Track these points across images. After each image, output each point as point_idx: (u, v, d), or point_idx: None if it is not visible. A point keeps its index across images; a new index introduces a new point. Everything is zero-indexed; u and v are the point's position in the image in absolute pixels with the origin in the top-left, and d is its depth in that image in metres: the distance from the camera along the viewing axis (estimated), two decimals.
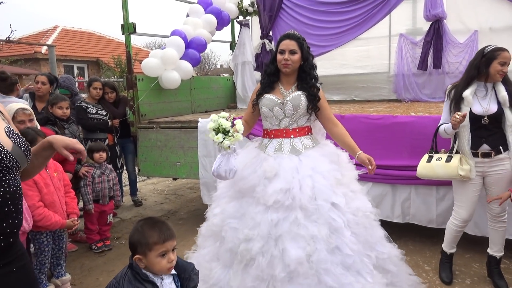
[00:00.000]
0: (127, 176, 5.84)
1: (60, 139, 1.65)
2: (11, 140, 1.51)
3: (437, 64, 5.61)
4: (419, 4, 5.95)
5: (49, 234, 2.97)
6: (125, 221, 5.11)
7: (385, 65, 6.40)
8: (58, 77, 5.11)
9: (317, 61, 6.75)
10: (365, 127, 3.86)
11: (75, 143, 1.65)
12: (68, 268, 3.48)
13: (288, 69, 2.65)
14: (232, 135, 2.36)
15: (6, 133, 1.51)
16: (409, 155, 3.71)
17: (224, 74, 12.57)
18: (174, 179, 6.34)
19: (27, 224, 2.71)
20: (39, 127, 3.43)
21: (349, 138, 2.77)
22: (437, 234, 3.73)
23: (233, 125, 2.40)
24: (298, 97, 2.66)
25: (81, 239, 4.37)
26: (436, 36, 5.57)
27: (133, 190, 5.82)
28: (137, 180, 5.97)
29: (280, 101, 2.66)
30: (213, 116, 2.38)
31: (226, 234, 2.47)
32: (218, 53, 33.06)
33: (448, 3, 5.58)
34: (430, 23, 5.63)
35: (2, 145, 1.46)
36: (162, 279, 1.73)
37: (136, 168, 5.38)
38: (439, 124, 3.15)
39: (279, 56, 2.65)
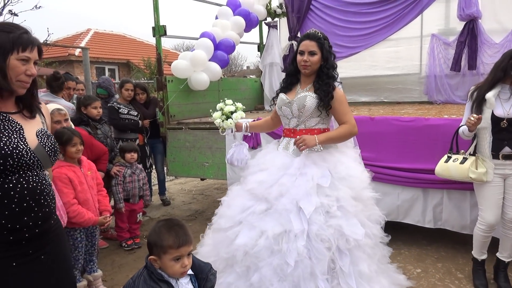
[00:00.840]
0: (156, 176, 5.95)
1: None
2: (38, 139, 1.58)
3: (472, 65, 5.44)
4: (452, 3, 5.79)
5: (83, 231, 3.06)
6: (154, 220, 5.21)
7: (416, 66, 6.26)
8: (91, 80, 5.31)
9: (345, 62, 6.72)
10: (396, 129, 3.78)
11: None
12: (99, 264, 3.57)
13: (307, 70, 2.64)
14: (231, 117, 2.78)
15: (36, 133, 1.59)
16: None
17: (251, 76, 12.60)
18: (202, 179, 6.41)
19: (62, 221, 2.80)
20: (73, 127, 3.55)
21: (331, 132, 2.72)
22: (471, 240, 3.61)
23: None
24: (304, 97, 2.63)
25: (111, 237, 4.49)
26: (470, 36, 5.41)
27: (162, 189, 5.92)
28: (166, 180, 6.07)
29: (288, 100, 2.68)
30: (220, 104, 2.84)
31: (219, 210, 2.79)
32: (245, 54, 33.29)
33: (483, 2, 5.41)
34: (464, 23, 5.47)
35: (26, 143, 1.53)
36: (177, 279, 1.73)
37: (165, 168, 5.47)
38: (460, 125, 3.11)
39: (298, 57, 2.65)
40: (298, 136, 2.58)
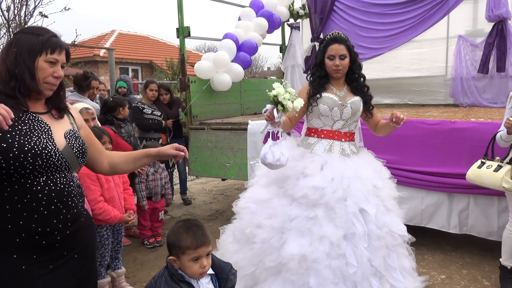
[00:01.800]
0: (177, 175, 6.02)
1: (155, 149, 1.86)
2: (66, 140, 1.58)
3: (501, 67, 5.30)
4: (480, 4, 5.65)
5: (109, 228, 3.13)
6: (175, 219, 5.27)
7: (442, 68, 6.13)
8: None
9: (369, 63, 6.65)
10: (421, 132, 3.72)
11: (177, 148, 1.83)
12: (122, 261, 3.64)
13: (340, 74, 2.65)
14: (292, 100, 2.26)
15: (64, 134, 1.59)
16: (468, 163, 3.51)
17: (271, 77, 12.61)
18: (223, 179, 6.44)
19: None
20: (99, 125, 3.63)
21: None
22: (497, 247, 3.51)
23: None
24: (358, 102, 2.67)
25: (134, 234, 4.56)
26: (499, 37, 5.27)
27: (183, 189, 5.98)
28: (187, 180, 6.13)
29: (340, 102, 2.64)
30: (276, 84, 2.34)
31: (244, 216, 2.61)
32: (266, 55, 33.24)
33: None
34: (493, 24, 5.33)
35: (55, 143, 1.53)
36: (198, 279, 1.73)
37: (187, 168, 5.53)
38: (498, 131, 2.99)
39: (328, 62, 2.62)
40: (397, 113, 2.52)
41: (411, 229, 2.87)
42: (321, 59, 2.66)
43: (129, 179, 4.04)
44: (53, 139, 1.54)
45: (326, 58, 2.63)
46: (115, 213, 3.02)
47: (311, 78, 2.74)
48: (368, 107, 2.74)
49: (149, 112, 5.06)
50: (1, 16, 3.99)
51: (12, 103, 1.46)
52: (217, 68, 5.24)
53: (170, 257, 1.73)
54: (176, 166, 5.66)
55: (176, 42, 5.44)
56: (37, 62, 1.50)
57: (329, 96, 2.64)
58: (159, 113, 5.14)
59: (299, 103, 2.30)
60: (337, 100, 2.64)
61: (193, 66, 5.38)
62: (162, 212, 4.52)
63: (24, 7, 4.11)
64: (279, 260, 2.36)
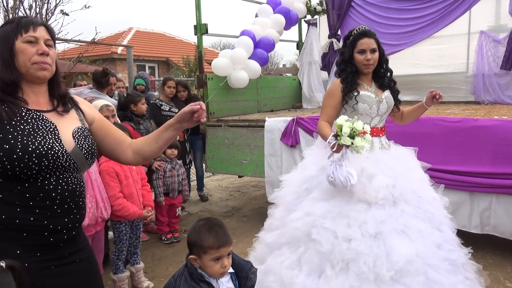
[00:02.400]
0: (194, 172, 6.06)
1: (180, 113, 1.66)
2: (75, 141, 1.50)
3: None
4: None
5: (128, 224, 3.16)
6: (192, 215, 5.30)
7: (462, 64, 6.00)
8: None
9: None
10: (441, 130, 3.65)
11: (193, 104, 1.63)
12: (140, 256, 3.68)
13: (371, 69, 2.61)
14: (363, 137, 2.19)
15: (73, 134, 1.52)
16: (491, 161, 3.45)
17: (287, 74, 12.55)
18: (240, 176, 6.46)
19: (106, 213, 2.91)
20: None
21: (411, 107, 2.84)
22: None
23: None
24: (390, 96, 2.67)
25: (152, 230, 4.61)
26: None
27: (200, 185, 6.02)
28: (204, 176, 6.17)
29: (377, 99, 2.62)
30: (343, 121, 2.21)
31: (320, 237, 2.28)
32: (281, 52, 33.14)
33: None
34: None
35: (62, 144, 1.46)
36: (218, 279, 1.72)
37: (204, 165, 5.55)
38: None
39: (359, 57, 2.56)
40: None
41: None
42: (350, 54, 2.59)
43: (147, 175, 4.09)
44: (60, 139, 1.46)
45: (356, 53, 2.56)
46: (134, 209, 3.06)
47: (342, 75, 2.64)
48: (396, 102, 2.74)
49: (167, 109, 5.10)
50: (24, 14, 4.07)
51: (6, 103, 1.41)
52: (234, 65, 5.24)
53: (191, 256, 1.71)
54: (193, 163, 5.70)
55: (192, 39, 5.46)
56: (15, 47, 1.44)
57: (366, 94, 2.59)
58: (176, 110, 5.16)
59: (368, 138, 2.21)
60: (374, 97, 2.61)
61: (209, 63, 5.39)
62: (179, 208, 4.55)
63: (46, 5, 4.18)
64: (396, 267, 2.15)
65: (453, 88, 6.03)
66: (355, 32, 2.60)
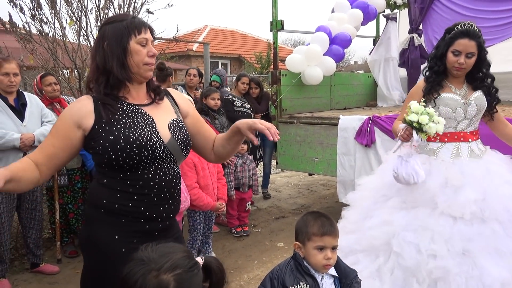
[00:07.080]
0: (261, 168, 6.08)
1: (244, 122, 1.61)
2: (171, 132, 1.57)
3: None
4: None
5: (202, 214, 3.27)
6: (261, 210, 5.35)
7: None
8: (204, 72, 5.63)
9: None
10: None
11: (256, 123, 1.57)
12: (212, 247, 3.79)
13: (460, 73, 2.37)
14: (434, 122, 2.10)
15: (168, 126, 1.58)
16: None
17: (359, 71, 12.14)
18: (310, 174, 6.39)
19: (187, 202, 3.03)
20: None
21: None
22: None
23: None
24: (482, 97, 2.40)
25: (222, 222, 4.73)
26: None
27: (265, 182, 6.01)
28: (271, 172, 6.17)
29: (463, 101, 2.40)
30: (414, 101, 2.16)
31: (402, 251, 2.18)
32: (353, 49, 32.14)
33: None
34: None
35: (160, 136, 1.54)
36: (323, 276, 1.70)
37: (273, 161, 5.56)
38: None
39: (452, 57, 2.33)
40: None
41: None
42: (443, 51, 2.37)
43: None
44: (157, 131, 1.54)
45: (449, 52, 2.34)
46: (208, 200, 3.15)
47: (427, 73, 2.48)
48: (490, 109, 2.45)
49: (239, 105, 5.18)
50: (113, 13, 4.36)
51: (108, 100, 1.51)
52: (309, 61, 5.17)
53: (296, 243, 1.74)
54: (262, 159, 5.73)
55: (264, 36, 5.48)
56: (129, 47, 1.50)
57: (450, 96, 2.38)
58: (248, 106, 5.23)
59: (441, 126, 2.12)
60: (459, 99, 2.38)
61: (281, 61, 5.37)
62: (249, 202, 4.62)
63: (133, 4, 4.44)
64: None
65: None
66: (458, 28, 2.34)
